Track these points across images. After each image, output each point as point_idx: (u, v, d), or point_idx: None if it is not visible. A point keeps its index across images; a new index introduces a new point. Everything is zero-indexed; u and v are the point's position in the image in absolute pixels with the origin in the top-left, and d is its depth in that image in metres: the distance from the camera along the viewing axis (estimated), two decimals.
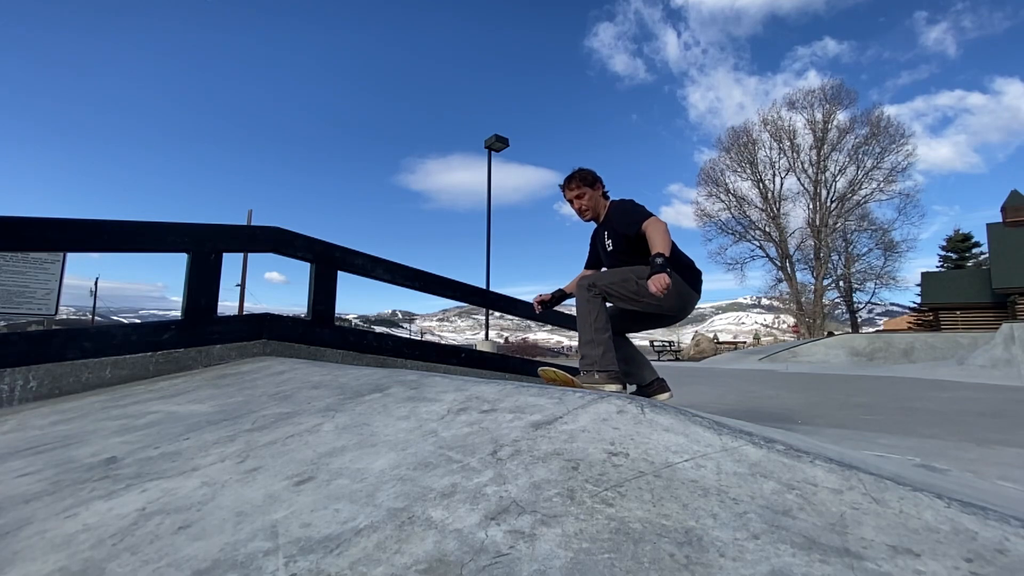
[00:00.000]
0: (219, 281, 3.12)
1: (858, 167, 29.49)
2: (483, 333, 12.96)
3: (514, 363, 4.64)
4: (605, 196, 2.56)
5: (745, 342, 35.35)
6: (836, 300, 30.62)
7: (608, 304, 2.33)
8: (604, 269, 2.62)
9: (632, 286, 2.24)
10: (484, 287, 9.65)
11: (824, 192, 30.19)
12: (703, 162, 46.18)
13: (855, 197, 29.51)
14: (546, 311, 2.90)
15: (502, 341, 33.62)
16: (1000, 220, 22.72)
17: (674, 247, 2.26)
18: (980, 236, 32.44)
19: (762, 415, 3.72)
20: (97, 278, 34.06)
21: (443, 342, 8.30)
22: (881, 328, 35.01)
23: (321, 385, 2.00)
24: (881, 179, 29.01)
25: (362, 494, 0.97)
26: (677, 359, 21.80)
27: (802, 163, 30.74)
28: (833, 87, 30.77)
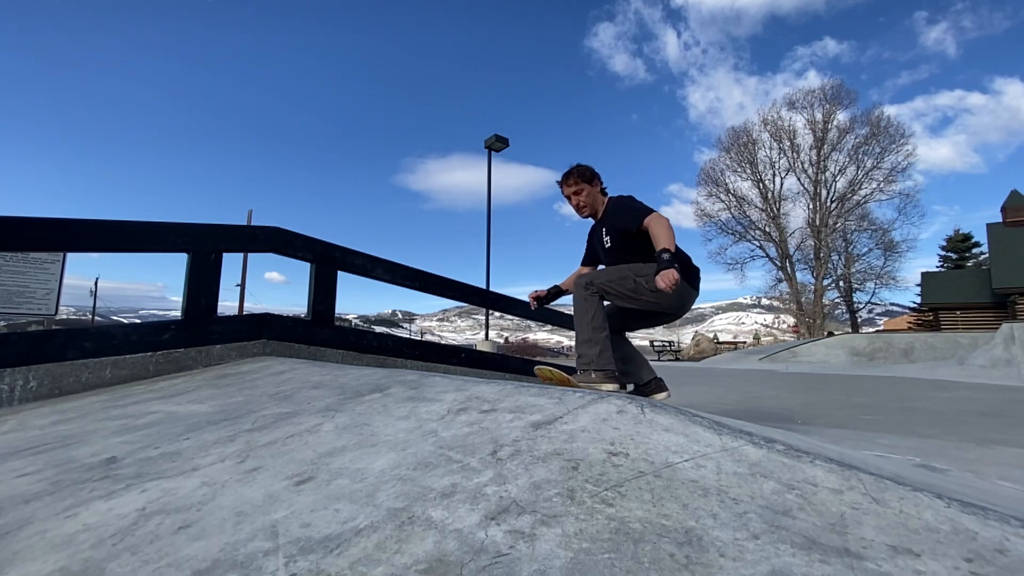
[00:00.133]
0: (219, 281, 3.12)
1: (858, 167, 29.52)
2: (483, 333, 12.96)
3: (514, 363, 4.64)
4: (603, 192, 2.55)
5: (745, 342, 35.35)
6: (836, 300, 30.65)
7: (606, 303, 2.32)
8: (602, 267, 2.61)
9: (630, 284, 2.23)
10: (484, 287, 9.65)
11: (824, 192, 30.22)
12: (703, 162, 46.22)
13: (855, 197, 29.54)
14: (545, 310, 2.91)
15: (502, 341, 33.61)
16: (1000, 220, 22.72)
17: None
18: (980, 236, 32.51)
19: (762, 415, 3.72)
20: (97, 278, 34.07)
21: (443, 342, 8.30)
22: (881, 328, 35.01)
23: (321, 385, 2.00)
24: (881, 179, 29.06)
25: (362, 494, 0.97)
26: (677, 359, 21.80)
27: (802, 163, 30.78)
28: (833, 87, 30.82)
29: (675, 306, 2.34)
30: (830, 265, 29.96)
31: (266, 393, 1.97)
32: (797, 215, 32.67)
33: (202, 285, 3.04)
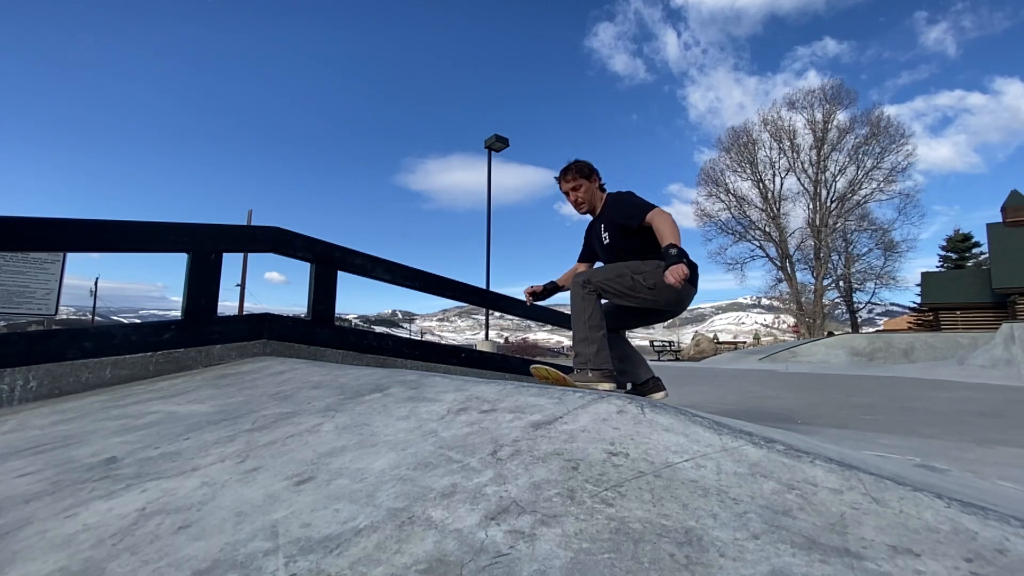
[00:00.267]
0: (219, 281, 3.12)
1: (858, 167, 29.56)
2: (483, 333, 12.96)
3: (514, 363, 4.64)
4: (602, 188, 2.53)
5: (745, 342, 35.36)
6: (836, 300, 30.68)
7: (603, 301, 2.31)
8: (599, 263, 2.60)
9: (628, 281, 2.22)
10: (484, 287, 9.65)
11: (824, 192, 30.25)
12: (703, 162, 46.24)
13: (855, 197, 29.57)
14: (544, 310, 2.89)
15: (502, 341, 33.62)
16: (1000, 220, 22.74)
17: None
18: (980, 236, 32.54)
19: (762, 415, 3.72)
20: (97, 278, 34.10)
21: (443, 342, 8.30)
22: (881, 328, 35.02)
23: (321, 385, 2.00)
24: (881, 179, 29.09)
25: (362, 494, 0.97)
26: (677, 359, 21.80)
27: (802, 163, 30.82)
28: (833, 87, 30.87)
29: (673, 303, 2.33)
30: (830, 265, 30.01)
31: (266, 393, 1.97)
32: (797, 215, 32.74)
33: (202, 285, 3.04)
